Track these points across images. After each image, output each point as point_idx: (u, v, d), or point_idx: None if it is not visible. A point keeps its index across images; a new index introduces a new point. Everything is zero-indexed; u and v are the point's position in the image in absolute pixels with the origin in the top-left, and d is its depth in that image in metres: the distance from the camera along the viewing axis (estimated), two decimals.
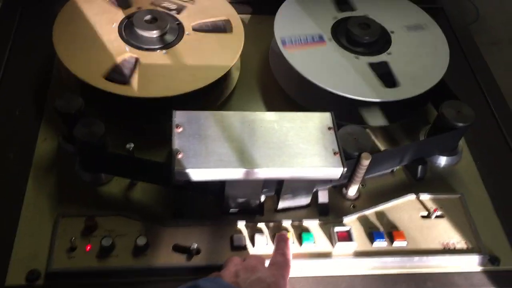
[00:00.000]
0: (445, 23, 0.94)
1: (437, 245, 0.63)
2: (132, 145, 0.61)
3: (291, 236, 0.62)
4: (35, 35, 0.81)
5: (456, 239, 0.64)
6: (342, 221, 0.64)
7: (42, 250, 0.59)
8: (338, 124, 0.62)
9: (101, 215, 0.61)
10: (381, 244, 0.62)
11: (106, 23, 0.75)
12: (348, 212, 0.66)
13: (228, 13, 0.80)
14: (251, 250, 0.61)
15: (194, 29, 0.77)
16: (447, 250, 0.63)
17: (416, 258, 0.62)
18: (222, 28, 0.79)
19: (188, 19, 0.78)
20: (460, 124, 0.67)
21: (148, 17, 0.75)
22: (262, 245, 0.61)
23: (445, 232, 0.65)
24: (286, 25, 0.79)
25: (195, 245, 0.60)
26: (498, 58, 1.67)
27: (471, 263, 0.63)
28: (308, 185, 0.63)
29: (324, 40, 0.78)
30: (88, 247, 0.59)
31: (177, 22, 0.77)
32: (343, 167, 0.58)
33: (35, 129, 0.70)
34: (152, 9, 0.77)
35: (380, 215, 0.65)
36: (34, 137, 0.69)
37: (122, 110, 0.71)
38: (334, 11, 0.83)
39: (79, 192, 0.64)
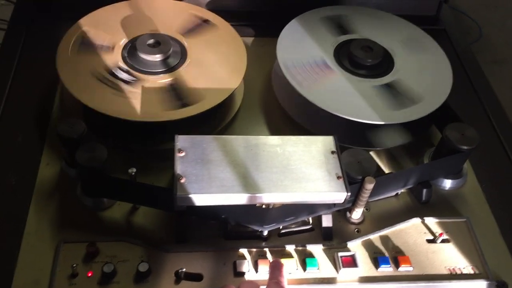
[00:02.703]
0: (447, 45, 0.95)
1: (443, 271, 0.62)
2: (135, 170, 0.61)
3: (295, 262, 0.61)
4: (39, 59, 0.82)
5: (463, 264, 0.63)
6: (346, 246, 0.64)
7: (43, 276, 0.58)
8: (341, 147, 0.62)
9: (103, 241, 0.61)
10: (386, 269, 0.62)
11: (110, 46, 0.76)
12: (352, 237, 0.65)
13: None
14: (254, 276, 0.60)
15: (183, 33, 0.79)
16: (453, 276, 0.62)
17: (422, 284, 0.61)
18: (203, 23, 0.81)
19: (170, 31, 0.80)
20: (465, 147, 0.66)
21: (151, 41, 0.75)
22: (265, 271, 0.60)
23: (451, 257, 0.64)
24: (289, 48, 0.79)
25: (197, 272, 0.59)
26: (501, 76, 1.68)
27: None
28: (311, 209, 0.63)
29: (327, 63, 0.78)
30: (90, 274, 0.58)
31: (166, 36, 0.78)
32: (347, 192, 0.58)
33: (37, 153, 0.70)
34: (155, 33, 0.77)
35: (385, 240, 0.65)
36: (37, 161, 0.69)
37: (125, 134, 0.71)
38: (336, 33, 0.83)
39: (81, 217, 0.64)
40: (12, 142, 0.71)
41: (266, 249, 0.62)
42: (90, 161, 0.59)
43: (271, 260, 0.61)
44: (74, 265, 0.58)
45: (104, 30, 0.78)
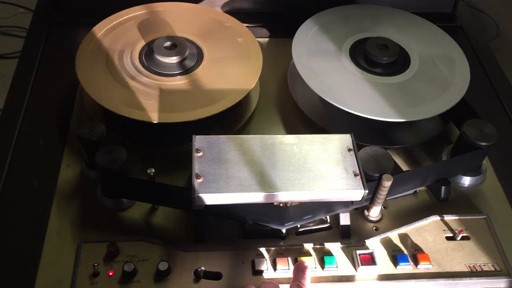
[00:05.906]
0: (464, 41, 0.94)
1: (463, 268, 0.62)
2: (153, 170, 0.62)
3: (313, 260, 0.61)
4: (59, 63, 0.83)
5: (483, 261, 0.63)
6: (364, 244, 0.64)
7: (65, 276, 0.59)
8: (358, 146, 0.62)
9: (123, 240, 0.62)
10: (405, 267, 0.61)
11: (127, 50, 0.77)
12: (370, 235, 0.65)
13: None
14: (272, 275, 0.60)
15: (199, 35, 0.80)
16: (474, 273, 0.62)
17: (442, 281, 0.61)
18: (219, 25, 0.81)
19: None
20: (483, 144, 0.66)
21: (167, 43, 0.76)
22: (283, 270, 0.60)
23: (471, 254, 0.63)
24: (304, 48, 0.80)
25: (216, 270, 0.59)
26: None
27: (499, 286, 0.61)
28: (328, 208, 0.63)
29: (343, 61, 0.78)
30: (111, 273, 0.59)
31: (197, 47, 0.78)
32: (364, 189, 0.58)
33: (58, 156, 0.71)
34: (172, 36, 0.78)
35: (404, 237, 0.64)
36: (58, 163, 0.70)
37: (143, 135, 0.72)
38: (350, 32, 0.83)
39: (101, 217, 0.65)
40: (34, 145, 0.73)
41: (284, 248, 0.63)
42: (110, 162, 0.60)
43: (289, 259, 0.61)
44: (96, 264, 0.59)
45: (121, 33, 0.79)
